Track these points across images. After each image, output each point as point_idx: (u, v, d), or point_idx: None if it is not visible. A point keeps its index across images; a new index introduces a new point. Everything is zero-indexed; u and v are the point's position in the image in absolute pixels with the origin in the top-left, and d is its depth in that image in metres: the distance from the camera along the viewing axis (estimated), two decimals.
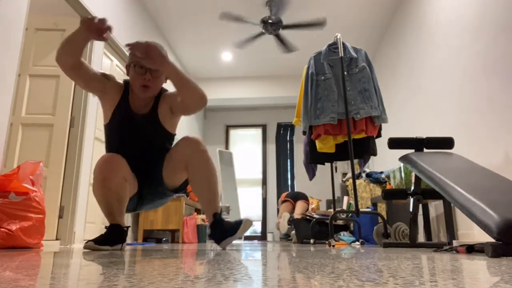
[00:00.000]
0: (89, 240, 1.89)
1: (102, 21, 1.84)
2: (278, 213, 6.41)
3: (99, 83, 2.07)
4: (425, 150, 2.76)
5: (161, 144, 2.14)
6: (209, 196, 2.05)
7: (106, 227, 1.96)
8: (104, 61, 4.14)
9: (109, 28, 1.86)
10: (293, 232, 4.59)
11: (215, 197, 2.05)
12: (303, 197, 5.33)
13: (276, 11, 4.82)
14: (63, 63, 1.94)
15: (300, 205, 5.16)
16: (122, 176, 1.92)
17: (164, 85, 2.25)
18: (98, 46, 3.86)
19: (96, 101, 3.83)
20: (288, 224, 5.02)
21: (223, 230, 2.01)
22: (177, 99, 2.07)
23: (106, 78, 2.10)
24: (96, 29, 1.85)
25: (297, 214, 4.85)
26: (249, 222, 2.06)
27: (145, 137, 2.09)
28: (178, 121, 2.24)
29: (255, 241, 6.44)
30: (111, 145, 2.12)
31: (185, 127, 7.03)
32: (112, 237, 1.91)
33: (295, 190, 7.45)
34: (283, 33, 5.90)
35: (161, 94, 2.15)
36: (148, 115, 2.10)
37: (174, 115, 2.16)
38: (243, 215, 7.95)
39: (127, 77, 2.11)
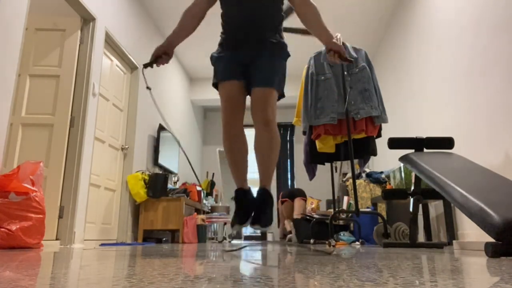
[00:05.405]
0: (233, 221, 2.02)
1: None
2: (278, 214, 6.38)
3: None
4: (425, 150, 2.76)
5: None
6: (263, 168, 2.09)
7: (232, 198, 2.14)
8: (104, 61, 4.14)
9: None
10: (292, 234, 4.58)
11: (268, 172, 2.08)
12: (299, 193, 5.15)
13: None
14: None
15: (297, 204, 5.02)
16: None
17: None
18: (98, 46, 3.86)
19: (96, 100, 3.83)
20: None
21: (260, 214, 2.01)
22: None
23: None
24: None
25: (296, 214, 4.82)
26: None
27: None
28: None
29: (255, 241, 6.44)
30: (225, 23, 2.27)
31: (185, 126, 7.03)
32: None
33: (291, 188, 7.36)
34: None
35: None
36: None
37: None
38: None
39: None
